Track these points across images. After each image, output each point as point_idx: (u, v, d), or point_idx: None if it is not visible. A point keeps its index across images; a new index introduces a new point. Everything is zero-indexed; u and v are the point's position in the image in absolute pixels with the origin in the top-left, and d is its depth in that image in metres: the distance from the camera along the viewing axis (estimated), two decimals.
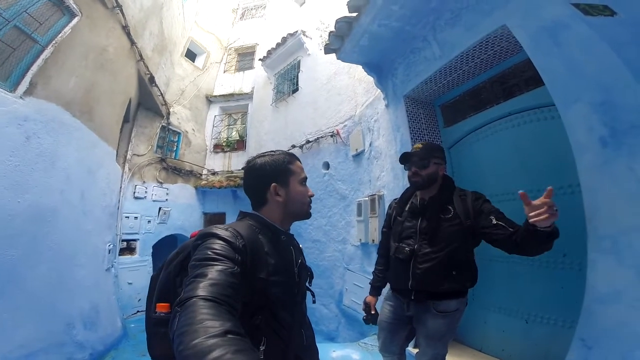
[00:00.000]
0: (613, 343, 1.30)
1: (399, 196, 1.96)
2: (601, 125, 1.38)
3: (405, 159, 1.73)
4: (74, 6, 3.29)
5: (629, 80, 1.30)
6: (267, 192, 1.02)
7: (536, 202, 1.18)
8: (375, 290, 1.91)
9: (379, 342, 1.88)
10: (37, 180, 2.88)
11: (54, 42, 3.07)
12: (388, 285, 1.93)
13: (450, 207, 1.61)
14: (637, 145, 1.26)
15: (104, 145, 4.26)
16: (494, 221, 1.45)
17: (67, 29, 3.24)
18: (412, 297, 1.64)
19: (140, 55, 5.05)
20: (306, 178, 1.11)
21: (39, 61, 2.93)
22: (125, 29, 4.38)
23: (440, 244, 1.58)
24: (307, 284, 1.13)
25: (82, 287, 3.59)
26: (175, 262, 0.95)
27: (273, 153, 1.09)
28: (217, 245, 0.81)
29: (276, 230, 1.02)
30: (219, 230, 0.87)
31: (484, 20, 2.09)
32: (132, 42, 4.66)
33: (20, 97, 2.74)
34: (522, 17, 1.82)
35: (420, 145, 1.72)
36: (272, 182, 1.02)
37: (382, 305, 1.86)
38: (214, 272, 0.72)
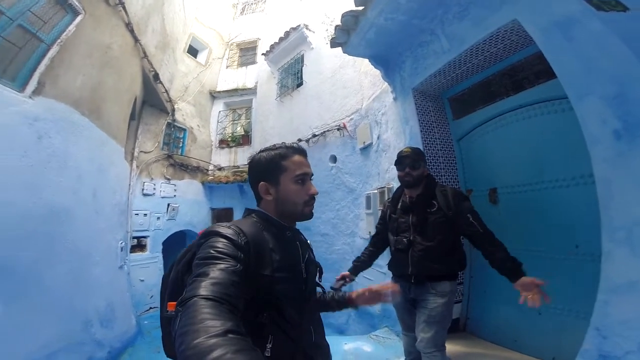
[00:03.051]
0: (628, 333, 1.32)
1: (388, 199, 2.30)
2: (614, 119, 1.38)
3: (399, 161, 2.01)
4: (77, 4, 3.26)
5: None
6: (258, 190, 1.01)
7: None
8: (354, 269, 2.12)
9: (400, 323, 2.13)
10: (51, 180, 2.92)
11: (59, 40, 3.06)
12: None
13: (434, 202, 1.90)
14: None
15: (113, 143, 4.30)
16: (470, 219, 1.79)
17: (72, 27, 3.22)
18: (413, 281, 1.90)
19: (144, 53, 5.04)
20: (305, 174, 1.02)
21: (46, 60, 2.92)
22: (129, 26, 4.35)
23: (430, 234, 1.86)
24: (317, 280, 1.10)
25: (98, 286, 3.66)
26: (183, 260, 0.95)
27: (273, 148, 1.05)
28: (220, 243, 0.81)
29: (280, 226, 1.00)
30: (222, 228, 0.86)
31: (493, 15, 2.07)
32: (136, 40, 4.65)
33: (30, 97, 2.74)
34: (533, 11, 1.80)
35: (409, 150, 2.01)
36: (261, 180, 1.00)
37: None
38: (216, 270, 0.72)
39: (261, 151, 1.05)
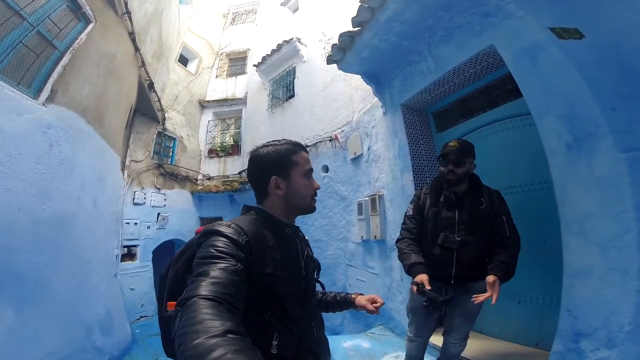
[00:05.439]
0: (593, 311, 1.59)
1: (408, 196, 2.30)
2: (567, 133, 1.73)
3: (443, 156, 1.87)
4: (90, 12, 3.35)
5: (588, 97, 1.62)
6: (268, 185, 1.00)
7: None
8: (425, 267, 1.77)
9: (411, 328, 2.01)
10: (59, 188, 2.99)
11: (71, 48, 3.14)
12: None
13: (483, 200, 1.84)
14: (593, 149, 1.61)
15: (111, 152, 4.39)
16: (504, 221, 1.79)
17: (83, 36, 3.29)
18: (452, 282, 1.80)
19: (143, 62, 5.14)
20: (311, 170, 1.06)
21: (59, 68, 2.97)
22: (132, 35, 4.46)
23: (480, 233, 1.79)
24: (315, 276, 1.12)
25: (97, 293, 3.70)
26: (182, 259, 0.96)
27: (277, 143, 1.05)
28: (220, 242, 0.81)
29: (280, 223, 1.00)
30: (222, 227, 0.86)
31: (474, 40, 2.39)
32: (137, 49, 4.76)
33: (43, 104, 2.80)
34: (507, 38, 2.11)
35: (457, 145, 1.86)
36: (272, 174, 0.99)
37: (412, 293, 1.88)
38: (216, 270, 0.72)
39: (264, 146, 1.05)
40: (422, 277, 1.65)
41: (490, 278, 1.62)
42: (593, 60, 1.68)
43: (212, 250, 0.78)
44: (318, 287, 1.19)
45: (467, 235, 1.79)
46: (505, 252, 1.72)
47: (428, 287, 1.59)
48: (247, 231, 0.87)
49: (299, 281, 0.98)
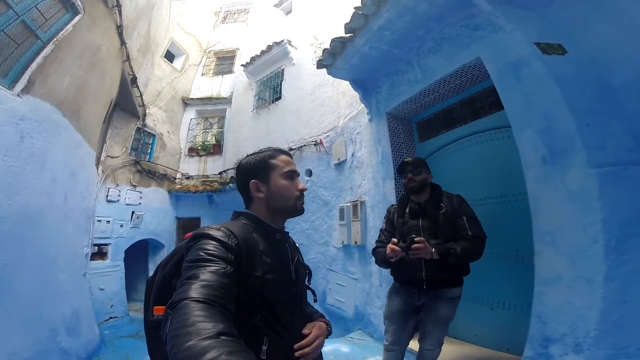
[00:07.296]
0: (562, 317, 1.67)
1: (389, 203, 2.41)
2: (543, 147, 1.82)
3: (402, 169, 2.06)
4: (79, 3, 3.26)
5: (564, 111, 1.71)
6: (249, 189, 1.03)
7: None
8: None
9: (387, 335, 2.04)
10: (27, 182, 2.82)
11: (55, 39, 3.03)
12: (390, 280, 2.15)
13: (442, 205, 1.96)
14: (567, 163, 1.71)
15: (87, 146, 4.19)
16: (464, 221, 1.87)
17: (69, 27, 3.18)
18: (424, 287, 1.87)
19: (127, 56, 5.00)
20: (292, 171, 1.06)
21: (39, 58, 2.86)
22: (119, 28, 4.35)
23: (442, 236, 1.87)
24: (306, 282, 1.12)
25: (64, 293, 3.51)
26: (170, 263, 0.95)
27: (260, 151, 1.08)
28: (210, 245, 0.81)
29: (270, 228, 1.01)
30: (212, 230, 0.87)
31: (462, 52, 2.47)
32: (123, 42, 4.63)
33: (18, 95, 2.66)
34: (494, 52, 2.19)
35: (410, 160, 2.09)
36: (251, 178, 1.03)
37: (388, 299, 2.09)
38: (206, 273, 0.72)
39: (248, 156, 1.09)
40: (392, 242, 1.82)
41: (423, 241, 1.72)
42: (572, 76, 1.73)
43: (202, 254, 0.78)
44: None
45: (431, 238, 1.87)
46: (460, 242, 1.82)
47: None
48: (237, 234, 0.88)
49: (289, 286, 0.99)
